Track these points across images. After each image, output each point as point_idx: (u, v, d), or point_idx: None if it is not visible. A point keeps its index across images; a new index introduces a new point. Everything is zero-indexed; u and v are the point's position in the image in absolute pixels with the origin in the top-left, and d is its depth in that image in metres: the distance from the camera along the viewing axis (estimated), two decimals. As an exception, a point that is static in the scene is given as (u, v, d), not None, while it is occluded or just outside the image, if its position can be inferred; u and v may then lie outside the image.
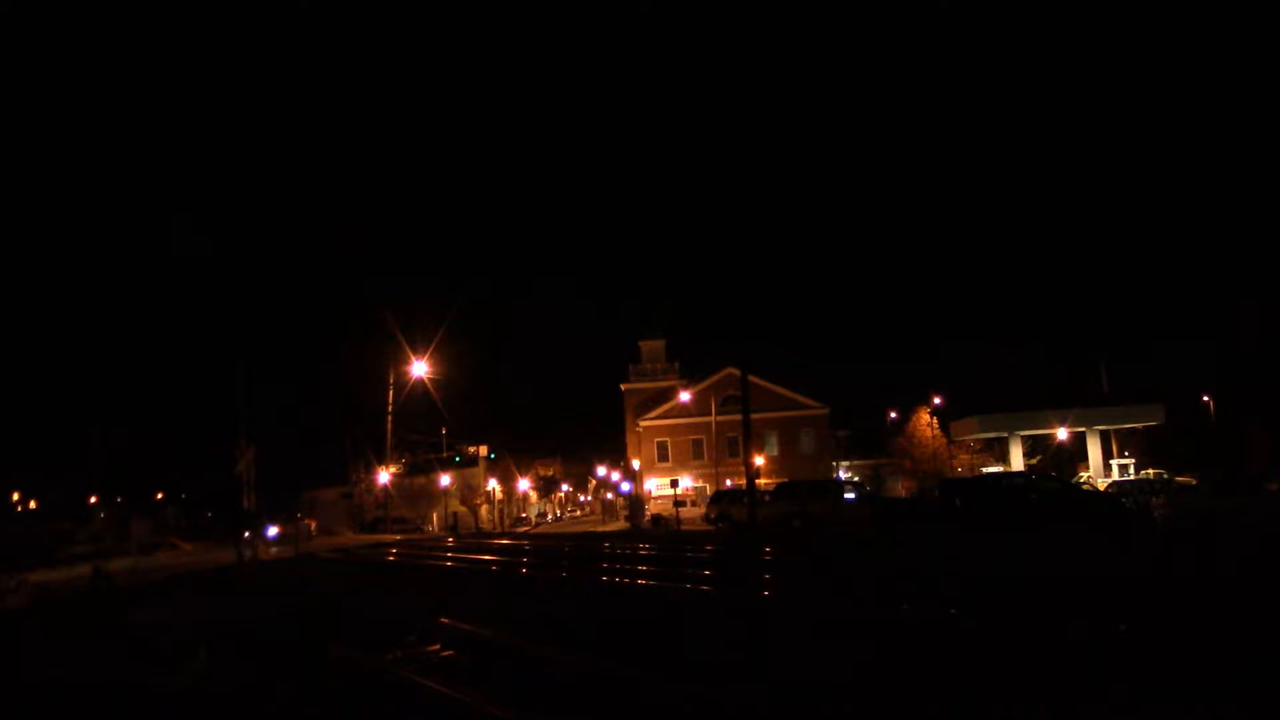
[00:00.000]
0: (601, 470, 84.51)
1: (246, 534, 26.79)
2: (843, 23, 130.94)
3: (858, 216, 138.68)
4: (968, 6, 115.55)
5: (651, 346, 69.67)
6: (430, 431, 66.81)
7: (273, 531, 36.20)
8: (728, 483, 53.21)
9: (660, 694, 6.83)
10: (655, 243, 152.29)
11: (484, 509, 70.71)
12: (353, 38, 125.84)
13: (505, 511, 74.81)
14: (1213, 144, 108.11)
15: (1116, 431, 60.88)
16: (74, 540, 40.66)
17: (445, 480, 63.91)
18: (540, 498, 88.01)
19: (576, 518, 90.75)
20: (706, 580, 14.37)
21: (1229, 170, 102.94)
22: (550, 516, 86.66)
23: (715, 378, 60.07)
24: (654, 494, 59.58)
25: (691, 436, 62.93)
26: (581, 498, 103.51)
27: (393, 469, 59.12)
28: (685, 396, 57.24)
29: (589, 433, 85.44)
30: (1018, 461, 58.07)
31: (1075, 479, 44.57)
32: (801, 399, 62.76)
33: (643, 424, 64.47)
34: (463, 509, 66.82)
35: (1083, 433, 57.31)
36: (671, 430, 63.47)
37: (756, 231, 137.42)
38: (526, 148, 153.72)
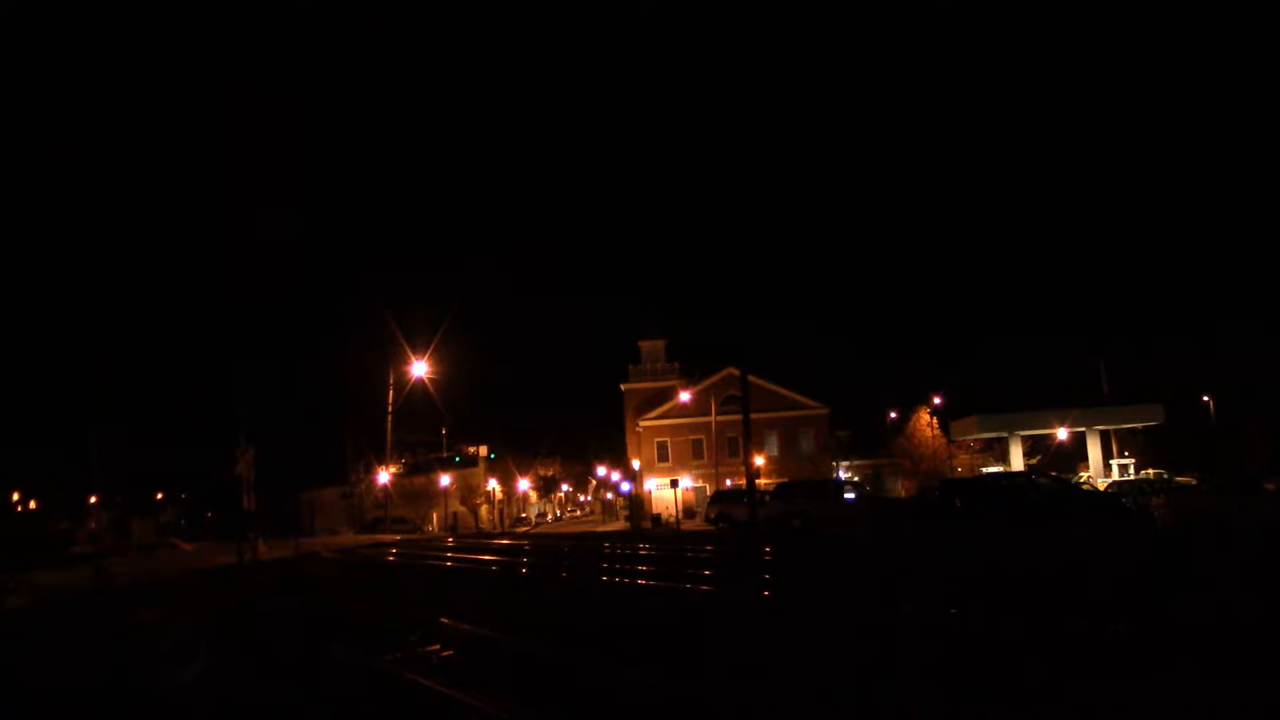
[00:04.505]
0: (601, 470, 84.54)
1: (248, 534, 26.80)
2: (845, 19, 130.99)
3: (859, 216, 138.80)
4: (968, 6, 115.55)
5: (651, 346, 69.63)
6: (430, 431, 66.84)
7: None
8: (728, 483, 53.20)
9: (660, 694, 6.84)
10: (655, 242, 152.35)
11: (484, 509, 70.72)
12: (354, 36, 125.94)
13: (505, 511, 74.83)
14: (1209, 144, 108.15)
15: (1116, 431, 60.88)
16: (74, 540, 40.54)
17: (445, 480, 63.91)
18: (540, 498, 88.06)
19: (576, 518, 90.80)
20: (706, 580, 14.37)
21: (1229, 169, 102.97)
22: (550, 516, 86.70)
23: (715, 378, 60.07)
24: (654, 493, 59.64)
25: (691, 436, 62.91)
26: (581, 498, 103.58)
27: (393, 469, 59.07)
28: (685, 396, 57.25)
29: (589, 433, 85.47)
30: (1018, 461, 58.03)
31: (1075, 479, 44.54)
32: (802, 399, 62.74)
33: (643, 424, 64.45)
34: (463, 509, 66.83)
35: (1083, 433, 57.30)
36: (671, 430, 63.44)
37: (757, 231, 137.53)
38: (527, 147, 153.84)
